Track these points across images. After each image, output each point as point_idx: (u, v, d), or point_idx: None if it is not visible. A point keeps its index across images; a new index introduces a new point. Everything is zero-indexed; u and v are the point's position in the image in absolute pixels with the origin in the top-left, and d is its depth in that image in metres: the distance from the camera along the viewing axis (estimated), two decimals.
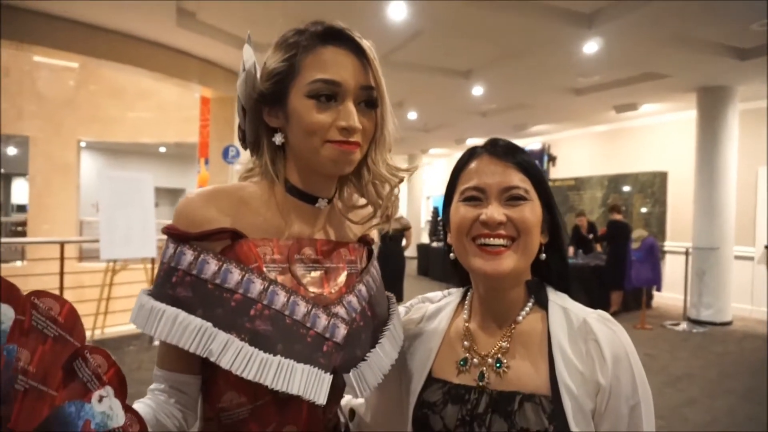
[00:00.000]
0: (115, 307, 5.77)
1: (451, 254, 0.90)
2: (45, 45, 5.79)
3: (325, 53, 0.81)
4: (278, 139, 0.86)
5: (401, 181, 0.91)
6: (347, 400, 1.08)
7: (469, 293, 0.95)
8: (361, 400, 1.08)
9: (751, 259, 7.85)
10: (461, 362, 0.86)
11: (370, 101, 0.84)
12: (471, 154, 0.89)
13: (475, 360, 0.85)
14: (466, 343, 0.88)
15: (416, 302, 1.09)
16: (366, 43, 0.83)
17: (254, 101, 0.86)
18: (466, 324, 0.91)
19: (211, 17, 5.69)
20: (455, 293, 1.00)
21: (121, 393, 0.66)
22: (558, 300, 0.86)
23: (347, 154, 0.81)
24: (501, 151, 0.85)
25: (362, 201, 0.94)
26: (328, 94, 0.80)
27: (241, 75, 0.85)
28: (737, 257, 7.52)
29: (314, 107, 0.80)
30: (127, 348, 5.37)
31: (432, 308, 0.99)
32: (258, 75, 0.86)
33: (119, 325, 5.89)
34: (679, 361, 5.42)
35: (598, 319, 0.81)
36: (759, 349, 5.97)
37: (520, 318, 0.86)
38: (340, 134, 0.80)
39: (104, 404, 0.63)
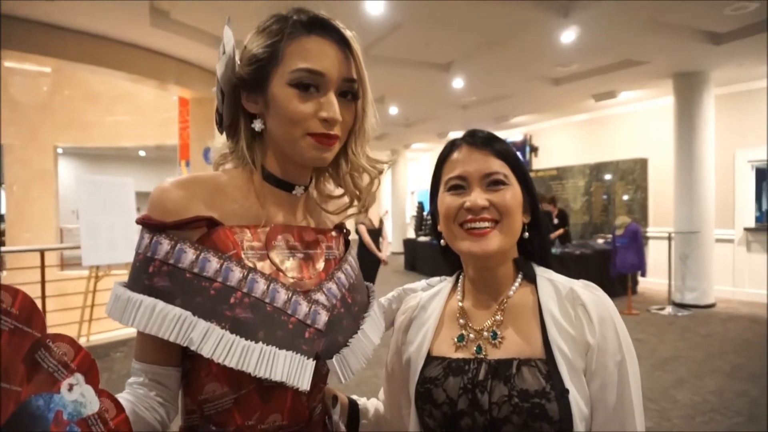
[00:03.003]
0: (100, 314, 5.69)
1: (442, 241, 0.95)
2: (16, 49, 5.66)
3: (309, 42, 0.81)
4: (257, 125, 0.85)
5: (381, 173, 0.92)
6: (363, 402, 1.09)
7: (461, 276, 0.99)
8: (378, 402, 1.10)
9: (732, 241, 7.99)
10: (458, 339, 0.91)
11: (351, 93, 0.84)
12: (452, 146, 0.94)
13: (471, 335, 0.90)
14: (461, 320, 0.93)
15: (398, 294, 1.11)
16: (350, 35, 0.83)
17: (233, 85, 0.85)
18: (460, 304, 0.95)
19: (185, 16, 5.60)
20: (448, 279, 1.04)
21: (93, 378, 0.64)
22: (544, 273, 0.92)
23: (325, 150, 0.82)
24: (479, 141, 0.91)
25: (338, 191, 0.95)
26: (310, 84, 0.79)
27: (222, 57, 0.83)
28: (718, 240, 7.65)
29: (296, 96, 0.79)
30: (114, 354, 5.29)
31: (426, 295, 1.03)
32: (237, 59, 0.84)
33: (105, 331, 5.82)
34: (666, 344, 5.50)
35: (583, 286, 0.87)
36: (743, 329, 6.09)
37: (511, 292, 0.91)
38: (321, 125, 0.80)
39: (75, 392, 0.61)
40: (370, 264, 6.30)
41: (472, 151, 0.90)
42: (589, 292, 0.86)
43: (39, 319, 0.61)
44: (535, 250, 0.95)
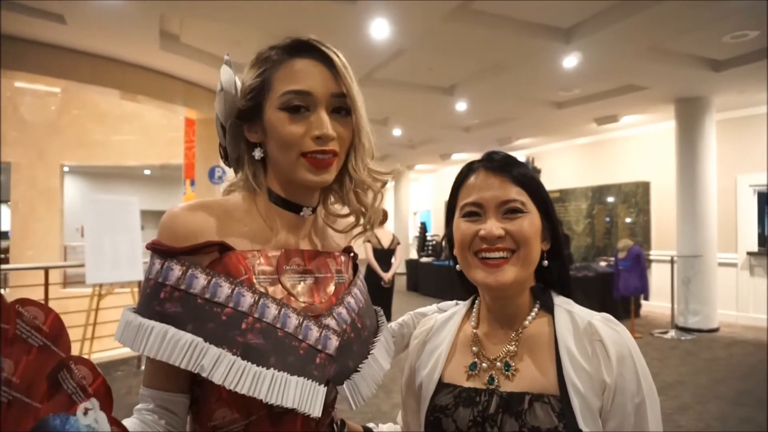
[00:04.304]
0: (102, 332, 5.67)
1: (457, 266, 0.92)
2: (28, 71, 5.79)
3: (294, 65, 0.83)
4: (257, 153, 0.87)
5: (384, 185, 0.92)
6: (379, 430, 1.07)
7: (476, 301, 0.97)
8: (396, 427, 1.08)
9: (735, 265, 7.95)
10: (471, 367, 0.88)
11: (343, 108, 0.85)
12: (469, 169, 0.91)
13: (484, 364, 0.87)
14: (474, 348, 0.90)
15: (408, 318, 1.09)
16: (333, 52, 0.85)
17: (234, 119, 0.88)
18: (474, 330, 0.93)
19: (194, 40, 5.72)
20: (462, 303, 1.02)
21: (107, 405, 0.64)
22: (563, 304, 0.88)
23: (321, 172, 0.83)
24: (497, 165, 0.87)
25: (345, 210, 0.95)
26: (299, 105, 0.81)
27: (219, 94, 0.86)
28: (721, 264, 7.63)
29: (287, 119, 0.81)
30: (115, 373, 5.27)
31: (441, 318, 1.01)
32: (238, 93, 0.87)
33: (107, 350, 5.79)
34: (669, 368, 5.46)
35: (602, 321, 0.83)
36: (747, 354, 6.04)
37: (527, 322, 0.88)
38: (316, 144, 0.81)
39: (89, 417, 0.61)
40: (379, 288, 5.99)
41: (489, 176, 0.87)
42: (608, 327, 0.82)
43: (65, 340, 0.63)
44: (555, 278, 0.91)
